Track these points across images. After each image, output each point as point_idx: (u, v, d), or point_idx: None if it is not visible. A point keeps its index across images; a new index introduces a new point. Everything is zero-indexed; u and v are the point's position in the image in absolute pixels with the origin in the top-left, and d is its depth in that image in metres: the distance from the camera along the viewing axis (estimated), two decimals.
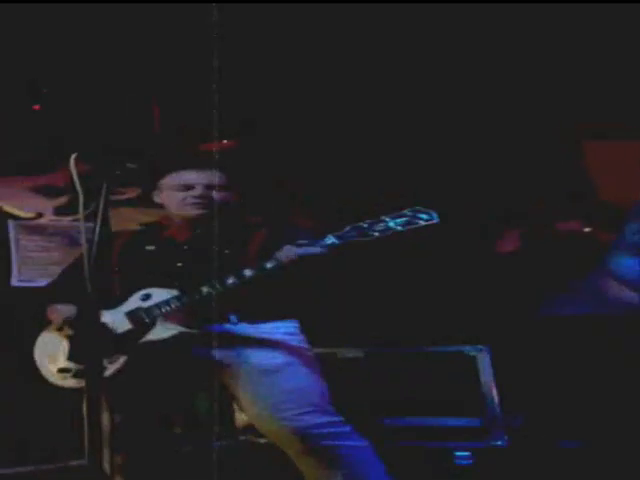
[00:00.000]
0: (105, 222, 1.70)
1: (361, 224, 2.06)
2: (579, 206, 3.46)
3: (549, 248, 3.56)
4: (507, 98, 3.51)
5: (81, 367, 2.14)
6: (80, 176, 1.66)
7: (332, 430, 2.13)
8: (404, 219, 2.03)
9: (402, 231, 2.01)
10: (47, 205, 3.74)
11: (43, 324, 2.36)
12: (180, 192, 2.38)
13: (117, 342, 2.14)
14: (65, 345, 2.24)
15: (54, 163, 3.63)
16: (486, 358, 3.38)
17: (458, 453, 3.36)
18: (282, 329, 2.29)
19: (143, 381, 2.18)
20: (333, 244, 2.07)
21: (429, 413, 3.44)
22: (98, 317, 1.70)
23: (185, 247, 2.36)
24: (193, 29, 2.59)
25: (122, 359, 2.12)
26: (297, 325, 2.34)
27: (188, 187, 2.38)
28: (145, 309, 2.18)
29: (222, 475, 2.22)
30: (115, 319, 2.17)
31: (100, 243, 1.66)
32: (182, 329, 2.17)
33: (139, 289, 2.23)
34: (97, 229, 1.68)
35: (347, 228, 2.08)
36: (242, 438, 3.83)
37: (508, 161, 3.76)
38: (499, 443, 3.30)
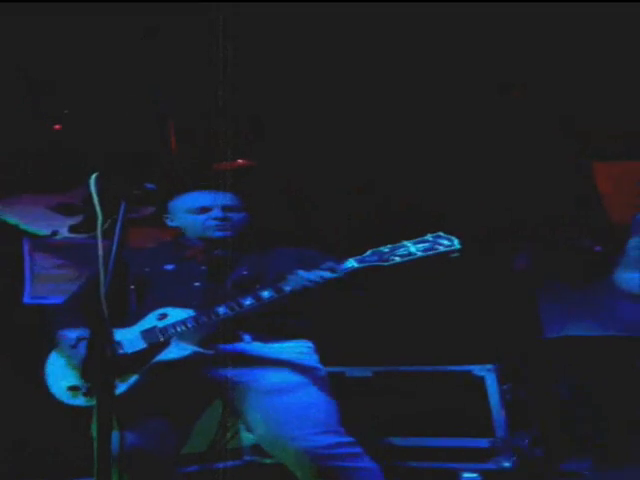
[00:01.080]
0: (122, 240, 1.71)
1: (382, 248, 2.03)
2: (590, 226, 3.48)
3: (560, 267, 3.56)
4: (517, 125, 3.55)
5: (91, 385, 2.13)
6: (99, 195, 1.68)
7: (343, 451, 2.11)
8: (426, 244, 1.99)
9: (423, 257, 1.98)
10: (62, 223, 3.76)
11: (55, 341, 2.36)
12: (198, 215, 2.39)
13: (130, 361, 2.14)
14: (77, 363, 2.23)
15: (70, 181, 3.66)
16: (495, 378, 3.36)
17: (465, 475, 3.34)
18: (295, 349, 2.28)
19: (155, 400, 2.18)
20: (353, 268, 2.06)
21: (436, 433, 3.42)
22: (112, 335, 1.70)
23: (202, 267, 2.35)
24: (203, 37, 2.60)
25: (134, 378, 2.12)
26: (311, 345, 2.34)
27: (206, 210, 2.38)
28: (160, 328, 2.18)
29: None
30: (130, 337, 2.17)
31: (117, 261, 1.67)
32: (197, 349, 2.17)
33: (156, 308, 2.22)
34: (114, 247, 1.69)
35: (368, 252, 2.06)
36: (248, 459, 3.81)
37: (519, 180, 3.78)
38: (507, 465, 3.27)
